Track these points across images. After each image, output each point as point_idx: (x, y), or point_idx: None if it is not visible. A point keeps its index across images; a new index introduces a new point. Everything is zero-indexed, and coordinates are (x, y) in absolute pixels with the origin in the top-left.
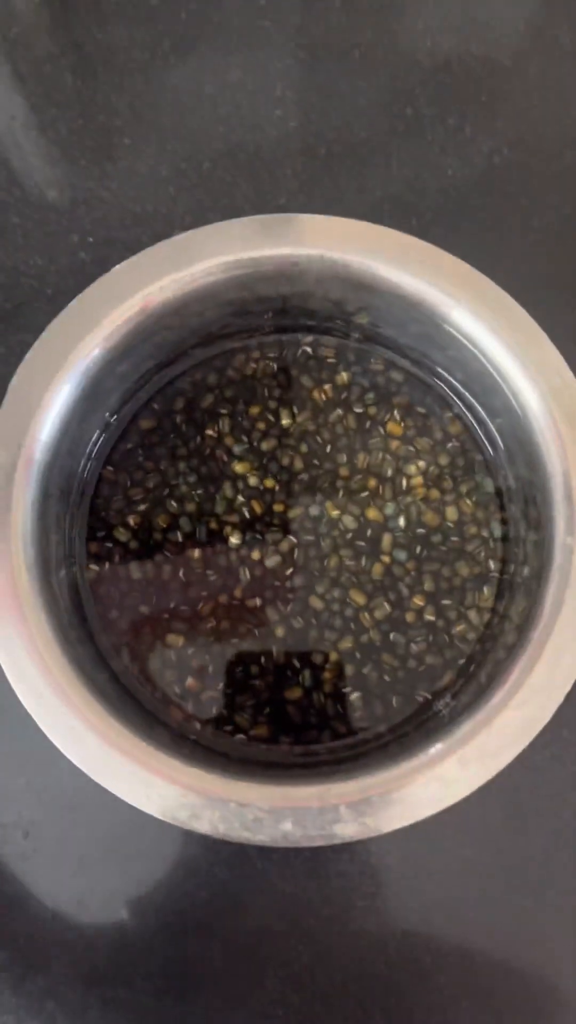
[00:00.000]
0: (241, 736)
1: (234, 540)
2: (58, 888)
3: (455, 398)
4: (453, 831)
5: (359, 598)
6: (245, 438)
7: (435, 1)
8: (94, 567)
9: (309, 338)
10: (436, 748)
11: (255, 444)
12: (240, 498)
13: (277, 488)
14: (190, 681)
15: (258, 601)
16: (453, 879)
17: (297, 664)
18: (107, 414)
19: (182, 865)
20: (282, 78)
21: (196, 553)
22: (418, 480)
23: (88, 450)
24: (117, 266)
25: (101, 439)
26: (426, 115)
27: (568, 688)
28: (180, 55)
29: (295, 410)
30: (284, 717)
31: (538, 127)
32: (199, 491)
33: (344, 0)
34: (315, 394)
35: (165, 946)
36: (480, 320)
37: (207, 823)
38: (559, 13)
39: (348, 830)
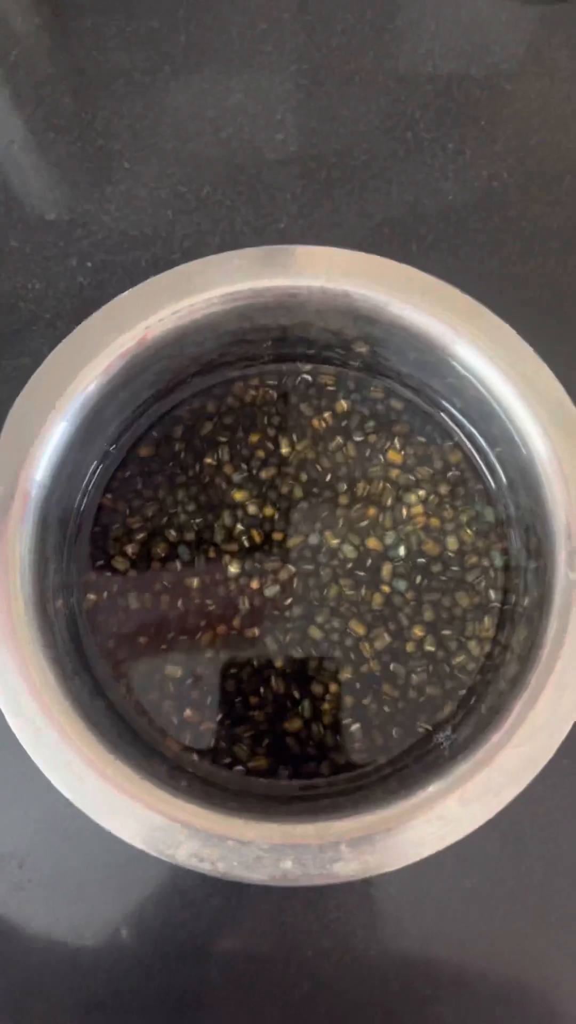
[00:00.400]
0: (239, 768)
1: (233, 569)
2: (54, 918)
3: (455, 427)
4: (452, 860)
5: (359, 628)
6: (244, 466)
7: (435, 26)
8: (92, 596)
9: (308, 366)
10: (437, 786)
11: (254, 472)
12: (239, 527)
13: (276, 516)
14: (188, 712)
15: (257, 631)
16: (452, 908)
17: (296, 695)
18: (106, 443)
19: (179, 894)
20: (283, 102)
21: (195, 582)
22: (418, 509)
23: (86, 479)
24: (118, 296)
25: (100, 468)
26: (426, 139)
27: (570, 726)
28: (180, 79)
29: (294, 438)
30: (283, 749)
31: (538, 151)
32: (198, 519)
33: (345, 25)
34: (315, 422)
35: (162, 975)
36: (481, 353)
37: (205, 862)
38: (559, 37)
39: (349, 869)
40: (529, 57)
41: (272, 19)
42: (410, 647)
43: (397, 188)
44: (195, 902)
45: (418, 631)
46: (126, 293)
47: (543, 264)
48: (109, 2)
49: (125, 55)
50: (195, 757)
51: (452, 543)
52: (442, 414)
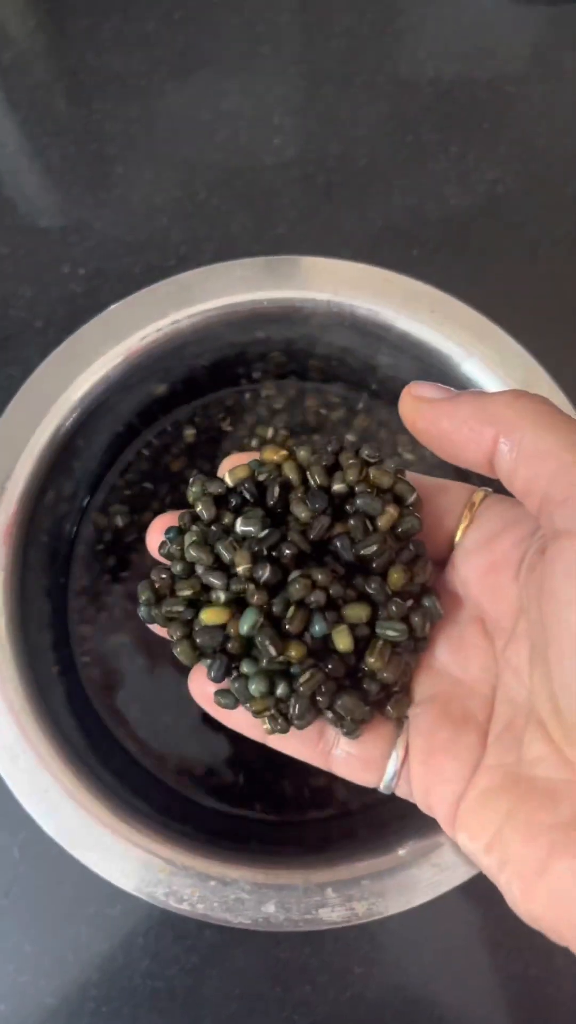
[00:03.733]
0: (235, 803)
1: None
2: (40, 951)
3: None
4: (455, 894)
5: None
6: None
7: (437, 27)
8: (86, 627)
9: (315, 383)
10: (432, 834)
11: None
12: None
13: None
14: (185, 745)
15: None
16: (454, 944)
17: None
18: (100, 456)
19: (171, 927)
20: (280, 105)
21: None
22: None
23: (78, 494)
24: (114, 305)
25: (94, 483)
26: (428, 142)
27: None
28: (176, 82)
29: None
30: (280, 787)
31: (542, 154)
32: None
33: (344, 27)
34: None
35: (151, 1015)
36: (491, 372)
37: (185, 902)
38: (563, 38)
39: (334, 915)
40: (534, 59)
41: (270, 21)
42: None
43: (398, 193)
44: (188, 935)
45: None
46: (122, 302)
47: (548, 270)
48: (104, 4)
49: (120, 58)
50: (191, 789)
51: None
52: None
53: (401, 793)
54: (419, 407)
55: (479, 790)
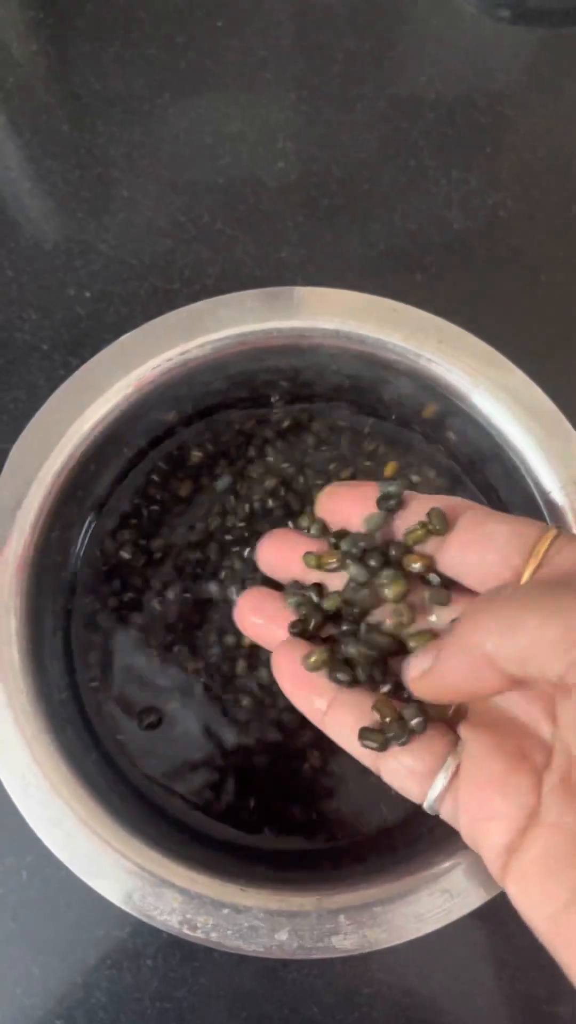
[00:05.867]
0: (243, 829)
1: None
2: (48, 974)
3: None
4: (464, 915)
5: None
6: (248, 507)
7: (436, 51)
8: (93, 654)
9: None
10: (442, 860)
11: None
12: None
13: None
14: (192, 770)
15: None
16: (462, 964)
17: (305, 762)
18: (110, 484)
19: (179, 948)
20: (283, 129)
21: (198, 634)
22: None
23: (87, 523)
24: (125, 335)
25: (103, 512)
26: (430, 167)
27: None
28: (179, 105)
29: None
30: (289, 813)
31: (544, 178)
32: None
33: (345, 51)
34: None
35: None
36: (501, 405)
37: (199, 930)
38: (564, 62)
39: (347, 943)
40: (533, 82)
41: (271, 46)
42: None
43: (400, 217)
44: (196, 956)
45: None
46: (133, 332)
47: (550, 293)
48: (107, 28)
49: (123, 81)
50: (198, 816)
51: None
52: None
53: (445, 816)
54: (422, 687)
55: (540, 851)
